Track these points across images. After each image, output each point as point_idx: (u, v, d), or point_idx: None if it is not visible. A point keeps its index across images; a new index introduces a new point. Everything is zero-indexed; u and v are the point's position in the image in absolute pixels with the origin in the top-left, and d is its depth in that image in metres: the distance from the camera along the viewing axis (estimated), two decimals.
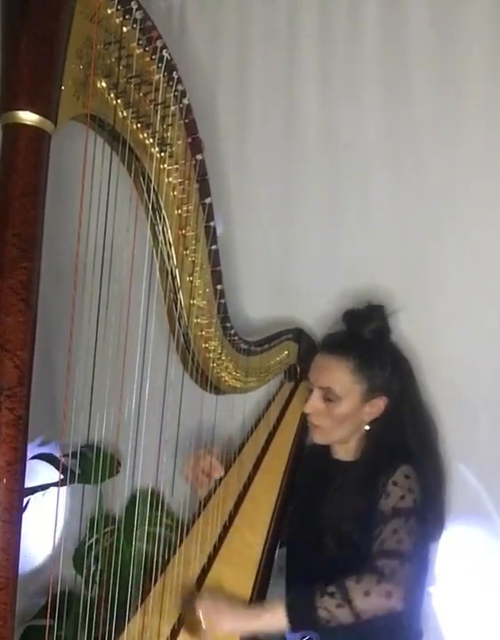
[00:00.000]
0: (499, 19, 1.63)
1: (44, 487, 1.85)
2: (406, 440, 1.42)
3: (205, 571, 1.35)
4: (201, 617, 1.18)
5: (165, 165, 1.19)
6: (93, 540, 1.79)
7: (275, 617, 1.23)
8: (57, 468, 1.86)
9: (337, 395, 1.43)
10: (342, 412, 1.43)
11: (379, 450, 1.43)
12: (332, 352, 1.47)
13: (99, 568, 1.70)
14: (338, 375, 1.44)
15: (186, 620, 1.21)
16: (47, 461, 1.89)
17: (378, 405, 1.44)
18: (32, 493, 1.80)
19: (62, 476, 1.74)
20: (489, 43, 1.64)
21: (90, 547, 1.78)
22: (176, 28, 1.98)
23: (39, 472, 1.88)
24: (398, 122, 1.75)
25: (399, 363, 1.49)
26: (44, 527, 1.85)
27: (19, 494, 0.79)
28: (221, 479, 1.57)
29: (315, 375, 1.48)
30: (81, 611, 1.23)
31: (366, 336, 1.48)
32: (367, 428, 1.46)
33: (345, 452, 1.51)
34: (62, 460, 1.83)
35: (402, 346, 1.54)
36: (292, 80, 1.89)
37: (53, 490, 1.85)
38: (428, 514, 1.36)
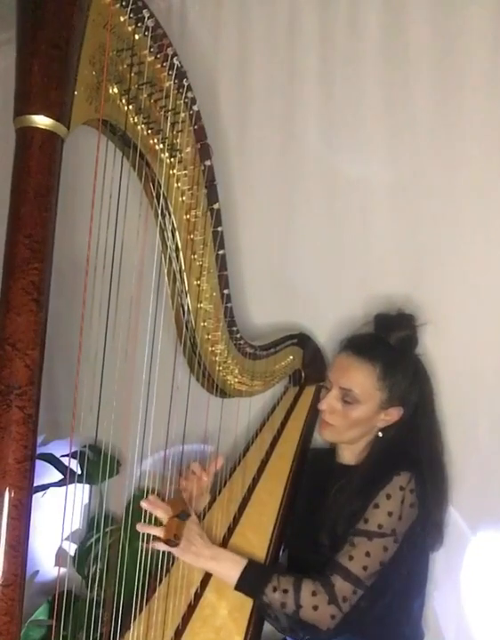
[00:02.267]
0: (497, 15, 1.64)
1: (44, 487, 1.86)
2: (415, 447, 1.43)
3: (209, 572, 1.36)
4: (175, 524, 1.21)
5: (175, 171, 1.21)
6: (97, 538, 1.79)
7: (229, 571, 1.28)
8: (58, 468, 1.87)
9: (357, 398, 1.42)
10: (357, 416, 1.43)
11: (384, 456, 1.43)
12: (358, 354, 1.46)
13: (100, 568, 1.71)
14: (362, 379, 1.43)
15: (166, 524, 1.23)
16: (47, 461, 1.90)
17: (393, 414, 1.44)
18: (34, 493, 1.81)
19: (67, 477, 1.75)
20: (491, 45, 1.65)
21: (91, 547, 1.79)
22: (176, 28, 1.98)
23: (39, 472, 1.89)
24: (398, 122, 1.76)
25: (420, 376, 1.49)
26: (46, 527, 1.86)
27: (27, 492, 0.80)
28: (225, 483, 1.58)
29: (337, 374, 1.47)
30: (85, 611, 1.24)
31: (392, 342, 1.48)
32: (380, 434, 1.47)
33: (351, 455, 1.51)
34: (65, 459, 1.84)
35: (426, 361, 1.54)
36: (292, 80, 1.89)
37: (53, 490, 1.86)
38: (427, 524, 1.37)
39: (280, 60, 1.90)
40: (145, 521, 1.25)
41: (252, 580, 1.28)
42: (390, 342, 1.48)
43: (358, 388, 1.43)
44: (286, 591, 1.25)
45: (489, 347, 1.65)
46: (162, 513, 1.24)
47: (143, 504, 1.24)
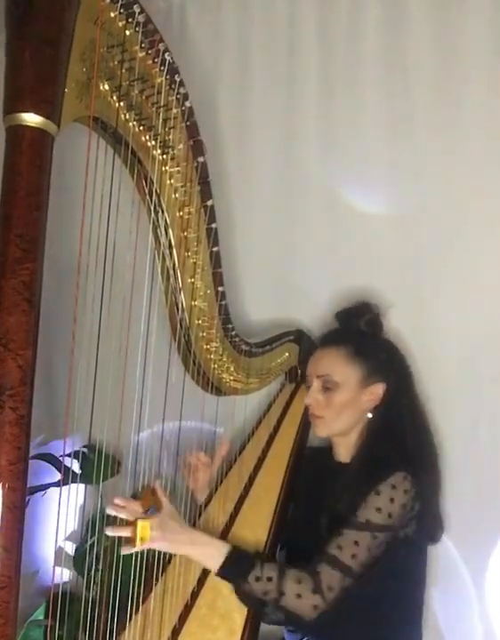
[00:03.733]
0: (498, 20, 1.64)
1: (44, 487, 1.85)
2: (403, 434, 1.42)
3: (205, 571, 1.35)
4: (139, 526, 1.16)
5: (167, 168, 1.20)
6: (95, 539, 1.79)
7: (209, 556, 1.25)
8: (57, 469, 1.87)
9: (335, 382, 1.44)
10: (341, 400, 1.44)
11: (376, 445, 1.43)
12: (326, 343, 1.51)
13: (99, 568, 1.70)
14: (334, 361, 1.46)
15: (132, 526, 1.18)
16: (47, 461, 1.89)
17: (377, 392, 1.45)
18: (32, 494, 1.81)
19: (62, 477, 1.74)
20: (488, 45, 1.65)
21: (90, 547, 1.78)
22: (176, 28, 1.98)
23: (39, 472, 1.88)
24: (397, 122, 1.76)
25: (393, 353, 1.51)
26: (45, 527, 1.86)
27: (21, 494, 0.80)
28: (221, 480, 1.58)
29: (312, 367, 1.50)
30: (82, 611, 1.23)
31: (362, 327, 1.51)
32: (370, 415, 1.46)
33: (346, 451, 1.51)
34: (63, 459, 1.83)
35: (398, 342, 1.55)
36: (292, 80, 1.90)
37: (53, 490, 1.85)
38: (425, 514, 1.36)
39: (280, 59, 1.91)
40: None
41: (235, 567, 1.25)
42: (359, 328, 1.51)
43: (333, 371, 1.45)
44: (270, 579, 1.22)
45: (489, 347, 1.66)
46: (126, 515, 1.20)
47: (108, 510, 1.20)
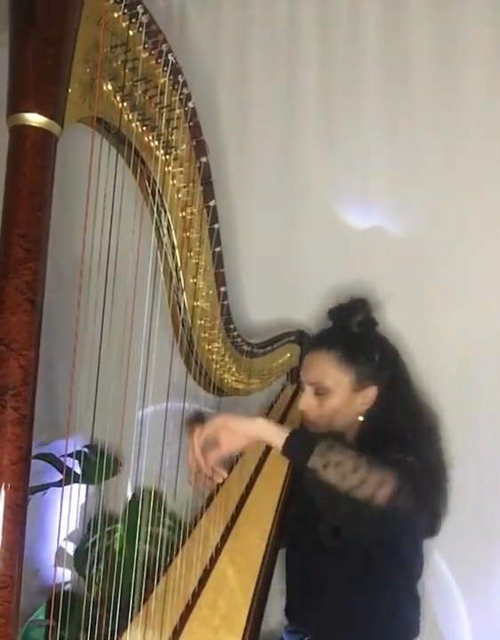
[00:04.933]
0: (497, 20, 1.64)
1: (44, 487, 1.85)
2: (400, 430, 1.42)
3: (206, 571, 1.35)
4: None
5: (170, 168, 1.20)
6: (95, 538, 1.79)
7: (274, 432, 1.21)
8: (58, 469, 1.87)
9: (327, 388, 1.44)
10: (333, 405, 1.44)
11: (371, 440, 1.42)
12: (317, 347, 1.49)
13: (99, 568, 1.70)
14: (325, 368, 1.45)
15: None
16: (48, 461, 1.89)
17: (369, 395, 1.44)
18: (32, 493, 1.81)
19: (64, 477, 1.74)
20: (488, 45, 1.66)
21: (91, 547, 1.78)
22: (176, 28, 1.99)
23: (40, 472, 1.88)
24: (397, 122, 1.77)
25: (387, 352, 1.49)
26: (45, 527, 1.86)
27: (23, 493, 0.79)
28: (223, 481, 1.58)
29: (304, 372, 1.50)
30: (84, 611, 1.23)
31: (353, 329, 1.48)
32: (361, 418, 1.46)
33: None
34: (65, 459, 1.83)
35: (391, 336, 1.54)
36: (292, 80, 1.90)
37: (53, 490, 1.85)
38: (423, 514, 1.35)
39: (280, 59, 1.91)
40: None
41: (300, 441, 1.20)
42: (351, 329, 1.49)
43: (325, 378, 1.44)
44: (342, 450, 1.18)
45: (489, 347, 1.66)
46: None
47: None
